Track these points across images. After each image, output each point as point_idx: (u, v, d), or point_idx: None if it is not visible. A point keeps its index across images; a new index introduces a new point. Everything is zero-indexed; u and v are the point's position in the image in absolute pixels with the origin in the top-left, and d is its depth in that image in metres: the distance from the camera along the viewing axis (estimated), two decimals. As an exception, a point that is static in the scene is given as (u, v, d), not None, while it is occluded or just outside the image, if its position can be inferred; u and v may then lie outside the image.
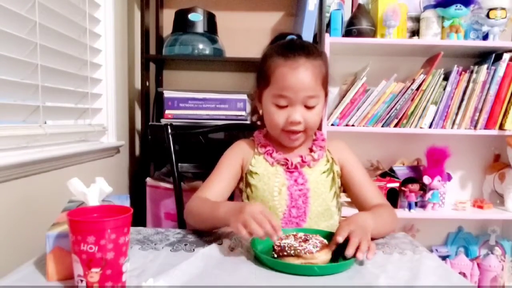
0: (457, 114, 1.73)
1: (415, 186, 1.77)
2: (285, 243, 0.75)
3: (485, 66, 1.70)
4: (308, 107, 0.94)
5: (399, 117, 1.72)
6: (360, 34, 1.72)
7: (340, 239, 0.77)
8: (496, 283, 1.75)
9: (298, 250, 0.73)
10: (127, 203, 0.82)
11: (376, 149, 1.95)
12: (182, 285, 0.65)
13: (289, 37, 1.04)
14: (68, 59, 1.28)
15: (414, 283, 0.69)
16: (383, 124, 1.72)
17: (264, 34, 1.91)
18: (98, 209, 0.68)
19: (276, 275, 0.71)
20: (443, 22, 1.73)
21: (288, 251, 0.73)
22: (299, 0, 1.80)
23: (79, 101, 1.38)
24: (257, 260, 0.76)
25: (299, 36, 1.07)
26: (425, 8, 1.79)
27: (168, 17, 1.87)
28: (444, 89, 1.71)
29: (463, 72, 1.72)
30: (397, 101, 1.70)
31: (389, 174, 1.83)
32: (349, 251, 0.73)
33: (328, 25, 1.75)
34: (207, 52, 1.72)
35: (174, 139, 1.26)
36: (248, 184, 1.01)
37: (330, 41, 1.67)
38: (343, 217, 1.01)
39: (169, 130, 1.26)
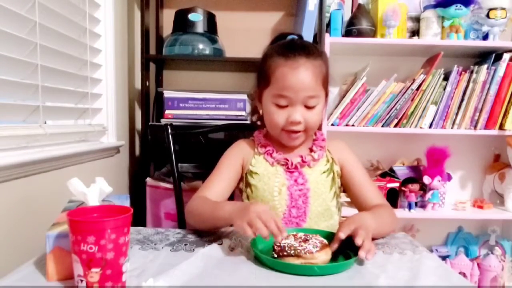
0: (457, 114, 1.73)
1: (415, 186, 1.77)
2: (285, 243, 0.75)
3: (485, 66, 1.70)
4: (308, 107, 0.94)
5: (399, 117, 1.72)
6: (360, 34, 1.72)
7: (342, 235, 0.77)
8: (496, 283, 1.75)
9: (298, 250, 0.73)
10: (127, 203, 0.82)
11: (376, 149, 1.95)
12: (182, 285, 0.65)
13: (290, 37, 1.04)
14: (68, 59, 1.28)
15: (414, 283, 0.69)
16: (383, 124, 1.72)
17: (264, 34, 1.91)
18: (98, 209, 0.68)
19: (276, 275, 0.71)
20: (443, 22, 1.73)
21: (288, 251, 0.73)
22: (299, 0, 1.80)
23: (79, 101, 1.38)
24: (257, 260, 0.76)
25: (300, 36, 1.07)
26: (425, 8, 1.79)
27: (168, 17, 1.87)
28: (444, 89, 1.71)
29: (463, 72, 1.72)
30: (397, 101, 1.70)
31: (389, 174, 1.83)
32: (361, 254, 0.73)
33: (328, 25, 1.75)
34: (207, 52, 1.72)
35: (174, 139, 1.26)
36: (248, 184, 1.01)
37: (330, 41, 1.67)
38: (343, 217, 1.01)
39: (169, 130, 1.26)
